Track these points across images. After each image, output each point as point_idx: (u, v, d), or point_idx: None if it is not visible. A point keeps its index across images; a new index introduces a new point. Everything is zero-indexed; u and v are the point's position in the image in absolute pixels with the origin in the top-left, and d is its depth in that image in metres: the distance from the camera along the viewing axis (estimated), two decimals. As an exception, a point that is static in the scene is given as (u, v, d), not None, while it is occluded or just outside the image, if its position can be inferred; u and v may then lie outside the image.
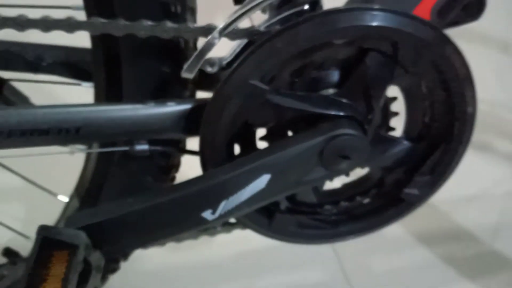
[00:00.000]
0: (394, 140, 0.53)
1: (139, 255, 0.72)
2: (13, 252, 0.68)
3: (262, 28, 0.46)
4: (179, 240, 0.58)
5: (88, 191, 0.60)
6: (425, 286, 0.87)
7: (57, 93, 0.73)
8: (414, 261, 0.91)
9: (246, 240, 0.88)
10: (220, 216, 0.47)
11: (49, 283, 0.35)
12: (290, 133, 0.54)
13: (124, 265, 0.69)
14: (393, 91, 0.52)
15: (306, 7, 0.46)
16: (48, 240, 0.38)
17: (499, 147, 1.13)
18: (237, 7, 0.46)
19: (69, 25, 0.42)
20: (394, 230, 0.95)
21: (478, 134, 1.29)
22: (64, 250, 0.37)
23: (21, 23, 0.42)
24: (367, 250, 0.92)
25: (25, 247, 0.68)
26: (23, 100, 0.62)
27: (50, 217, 0.69)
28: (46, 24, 0.42)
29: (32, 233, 0.67)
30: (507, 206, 1.02)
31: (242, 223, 0.56)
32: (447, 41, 0.46)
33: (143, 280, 0.84)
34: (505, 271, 0.89)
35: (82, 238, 0.39)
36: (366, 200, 0.58)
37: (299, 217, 0.56)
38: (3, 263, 0.65)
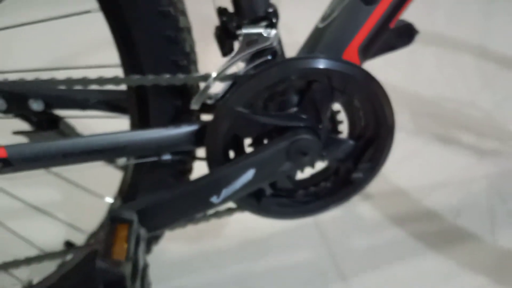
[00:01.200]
0: (342, 140, 0.63)
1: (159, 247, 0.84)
2: (72, 244, 0.81)
3: (241, 73, 0.57)
4: (196, 222, 0.70)
5: (128, 192, 0.71)
6: (400, 259, 0.95)
7: (89, 124, 0.80)
8: (390, 239, 0.99)
9: (247, 232, 0.99)
10: (223, 200, 0.59)
11: (118, 243, 0.52)
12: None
13: (151, 256, 0.80)
14: (337, 106, 0.62)
15: (270, 57, 0.57)
16: (115, 218, 0.54)
17: (464, 140, 1.23)
18: (224, 58, 0.58)
19: (116, 81, 0.57)
20: (373, 214, 1.04)
21: (446, 128, 1.40)
22: (125, 224, 0.54)
23: (84, 82, 0.56)
24: (350, 232, 1.01)
25: (78, 239, 0.81)
26: (74, 132, 0.71)
27: (95, 216, 0.81)
28: (101, 82, 0.57)
29: (84, 228, 0.83)
30: (469, 191, 1.10)
31: (239, 207, 0.66)
32: (367, 74, 0.58)
33: (164, 266, 0.94)
34: (465, 244, 0.99)
35: (135, 216, 0.55)
36: (328, 185, 0.67)
37: (280, 199, 0.66)
38: (62, 250, 0.75)
